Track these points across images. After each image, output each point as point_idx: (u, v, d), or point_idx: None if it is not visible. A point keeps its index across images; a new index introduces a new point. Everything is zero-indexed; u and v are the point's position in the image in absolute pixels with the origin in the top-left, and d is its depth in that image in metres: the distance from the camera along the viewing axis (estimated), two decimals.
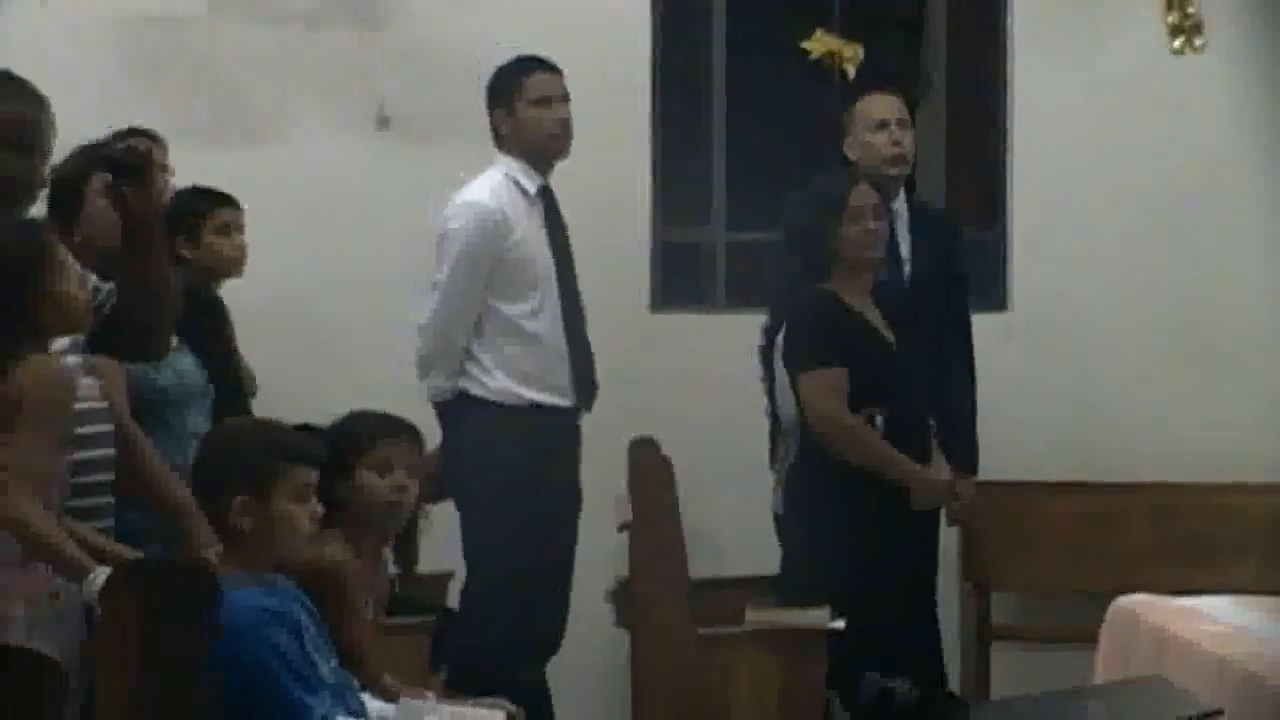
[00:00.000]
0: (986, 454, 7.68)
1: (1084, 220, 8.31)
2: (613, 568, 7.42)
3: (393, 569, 6.13)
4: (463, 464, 7.09)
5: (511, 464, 7.20)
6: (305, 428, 5.52)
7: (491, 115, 7.36)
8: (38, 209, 5.58)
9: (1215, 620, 4.74)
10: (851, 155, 7.59)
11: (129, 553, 5.12)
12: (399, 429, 5.84)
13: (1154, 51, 8.25)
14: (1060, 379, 8.21)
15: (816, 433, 6.99)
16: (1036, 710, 4.40)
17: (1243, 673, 4.22)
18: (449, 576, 7.36)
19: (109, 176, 5.58)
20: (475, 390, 7.26)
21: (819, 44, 8.11)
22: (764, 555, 7.37)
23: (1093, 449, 8.18)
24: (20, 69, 5.77)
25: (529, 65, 7.33)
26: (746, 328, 7.47)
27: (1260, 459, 8.13)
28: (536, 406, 7.29)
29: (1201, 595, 5.14)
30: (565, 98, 7.32)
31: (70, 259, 5.11)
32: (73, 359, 5.47)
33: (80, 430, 5.34)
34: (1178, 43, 8.25)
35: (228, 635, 4.72)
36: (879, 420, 6.95)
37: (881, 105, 7.66)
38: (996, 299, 8.32)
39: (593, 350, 7.42)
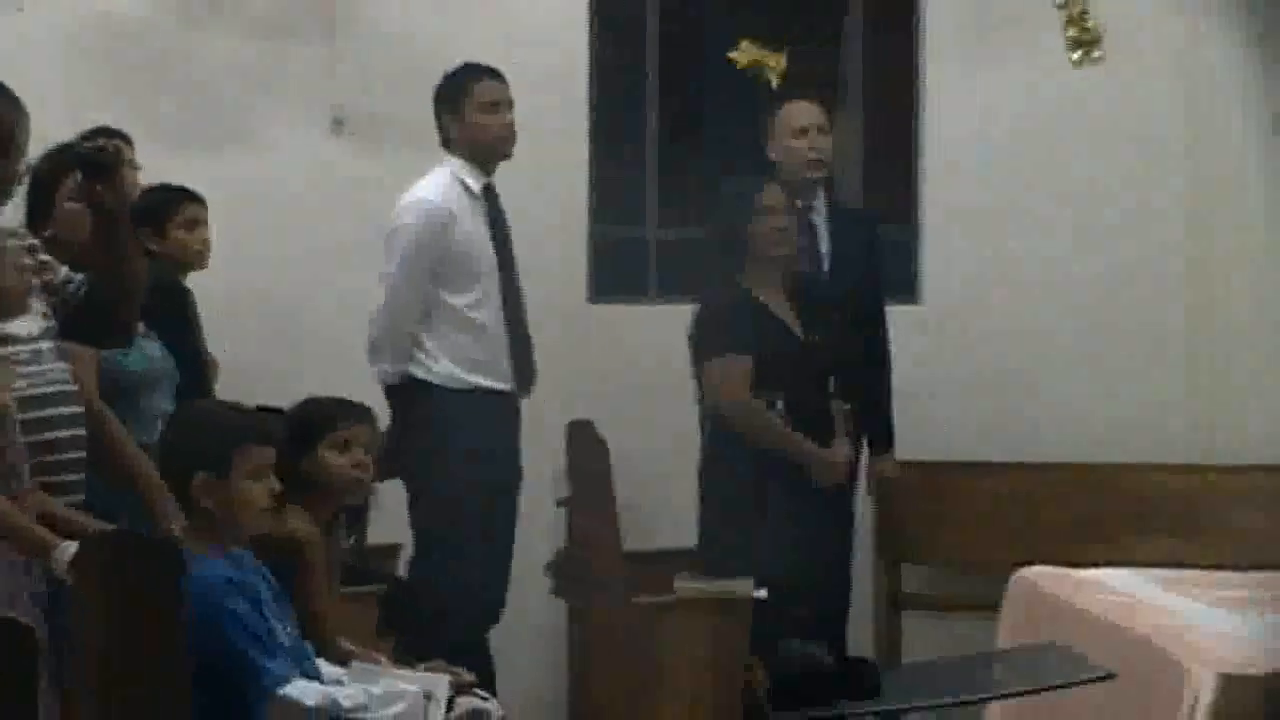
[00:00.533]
0: (901, 435, 7.77)
1: (991, 218, 8.35)
2: (552, 541, 7.44)
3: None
4: (411, 443, 7.10)
5: (456, 443, 7.20)
6: (265, 409, 5.54)
7: (439, 118, 7.37)
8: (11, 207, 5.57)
9: (1112, 590, 4.78)
10: (774, 158, 7.65)
11: (97, 525, 5.12)
12: (356, 411, 5.86)
13: (1056, 62, 8.29)
14: (968, 366, 8.25)
15: (722, 415, 7.08)
16: (943, 673, 4.44)
17: (1135, 638, 4.24)
18: (398, 548, 7.37)
19: (79, 177, 5.59)
20: (422, 374, 7.28)
21: (745, 54, 8.14)
22: (692, 529, 7.40)
23: (999, 431, 8.22)
24: None
25: (477, 72, 7.35)
26: (677, 318, 7.46)
27: (1160, 439, 8.18)
28: (479, 390, 7.30)
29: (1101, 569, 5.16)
30: (510, 104, 7.34)
31: (5, 254, 5.11)
32: (45, 344, 5.47)
33: (52, 411, 5.35)
34: (1077, 55, 8.29)
35: (192, 603, 4.74)
36: (779, 404, 7.03)
37: (803, 112, 7.71)
38: (909, 292, 8.33)
39: (532, 338, 7.43)
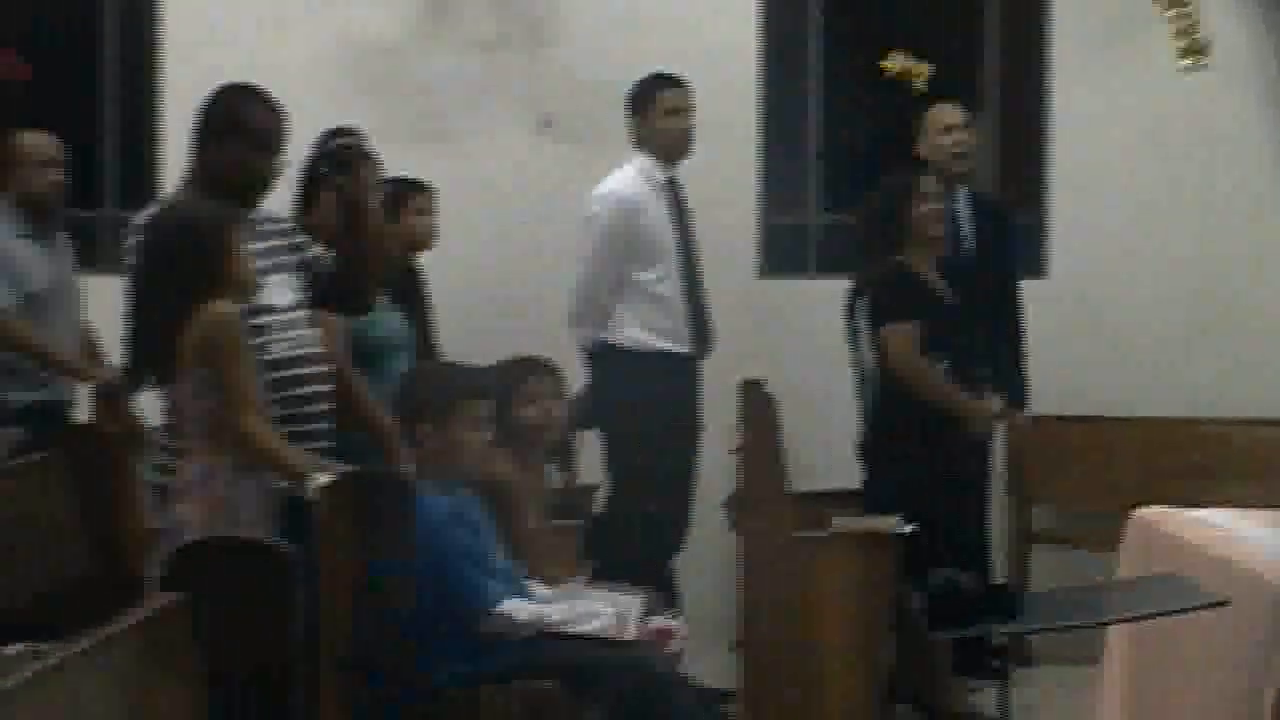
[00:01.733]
0: (1032, 392, 7.75)
1: (1111, 204, 8.23)
2: (727, 483, 7.42)
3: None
4: (605, 399, 7.13)
5: (643, 399, 7.23)
6: (479, 370, 5.58)
7: (629, 121, 7.40)
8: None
9: (1218, 527, 4.71)
10: (922, 154, 7.60)
11: (335, 467, 5.19)
12: (542, 369, 5.91)
13: (1169, 67, 8.17)
14: (1090, 333, 8.16)
15: (894, 376, 6.99)
16: (1072, 600, 4.39)
17: (1243, 570, 4.19)
18: (595, 488, 7.38)
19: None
20: (614, 340, 7.33)
21: (894, 63, 8.07)
22: (847, 474, 7.36)
23: (1116, 389, 8.12)
24: (262, 83, 5.86)
25: (663, 82, 7.38)
26: (834, 292, 7.42)
27: (1258, 398, 8.05)
28: (663, 353, 7.34)
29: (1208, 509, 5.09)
30: (691, 109, 7.36)
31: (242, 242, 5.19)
32: (299, 314, 5.54)
33: (304, 370, 5.42)
34: (1186, 62, 8.15)
35: (419, 530, 4.78)
36: (942, 366, 6.96)
37: (948, 113, 7.69)
38: (1038, 269, 8.25)
39: (709, 309, 7.45)
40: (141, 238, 5.36)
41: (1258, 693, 3.85)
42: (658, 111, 7.35)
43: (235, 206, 5.34)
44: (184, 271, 4.97)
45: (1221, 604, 3.79)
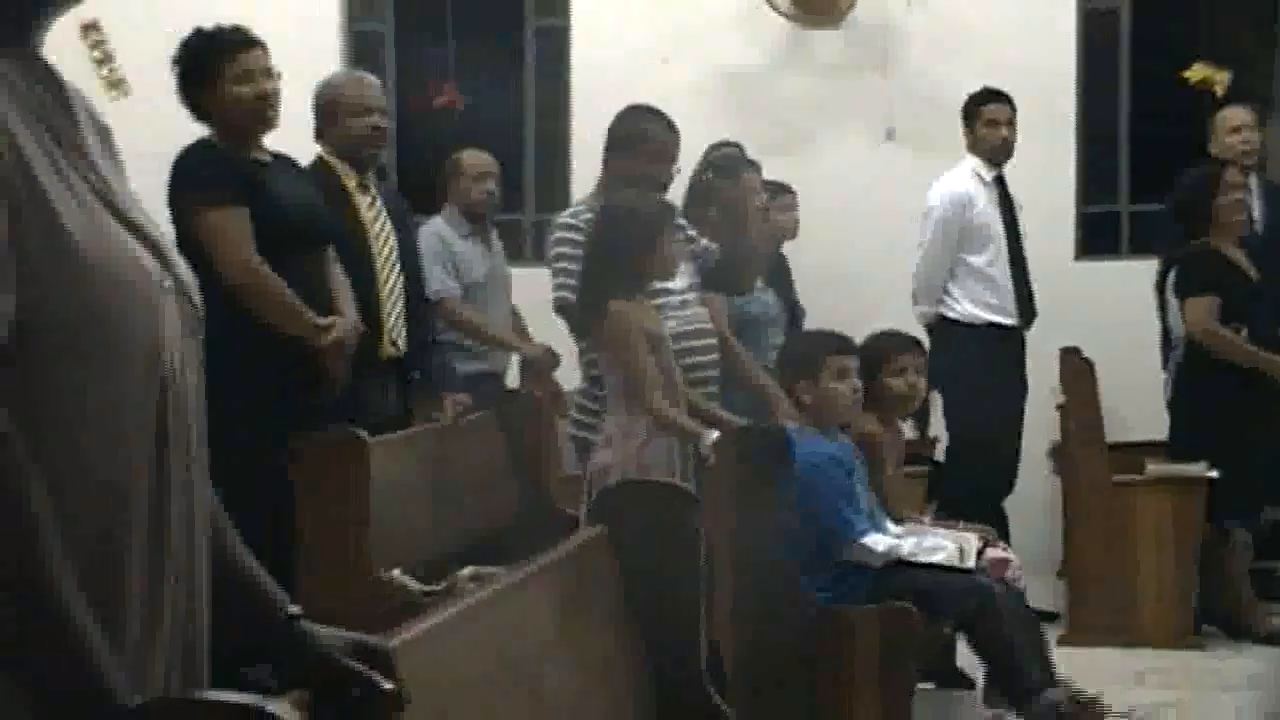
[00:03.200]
0: None
1: None
2: (1049, 433, 7.31)
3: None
4: (944, 365, 7.02)
5: (976, 364, 7.14)
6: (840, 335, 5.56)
7: (963, 129, 7.31)
8: None
9: None
10: (1215, 151, 7.38)
11: (728, 418, 5.21)
12: (911, 344, 5.83)
13: None
14: None
15: (1198, 342, 6.83)
16: None
17: None
18: (936, 440, 7.33)
19: (711, 175, 5.81)
20: (950, 315, 7.28)
21: (1197, 73, 7.85)
22: (1155, 427, 7.17)
23: None
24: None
25: (989, 96, 7.31)
26: (1143, 272, 7.31)
27: None
28: (992, 325, 7.26)
29: None
30: (1011, 120, 7.28)
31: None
32: (691, 295, 5.57)
33: (694, 343, 5.47)
34: None
35: (800, 471, 4.78)
36: (1244, 332, 6.78)
37: (1237, 115, 7.49)
38: None
39: (1033, 287, 7.32)
40: (580, 232, 5.47)
41: None
42: (981, 122, 7.28)
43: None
44: (628, 252, 5.04)
45: None
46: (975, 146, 7.28)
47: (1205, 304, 6.82)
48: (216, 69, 4.91)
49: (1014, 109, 7.28)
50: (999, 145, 7.26)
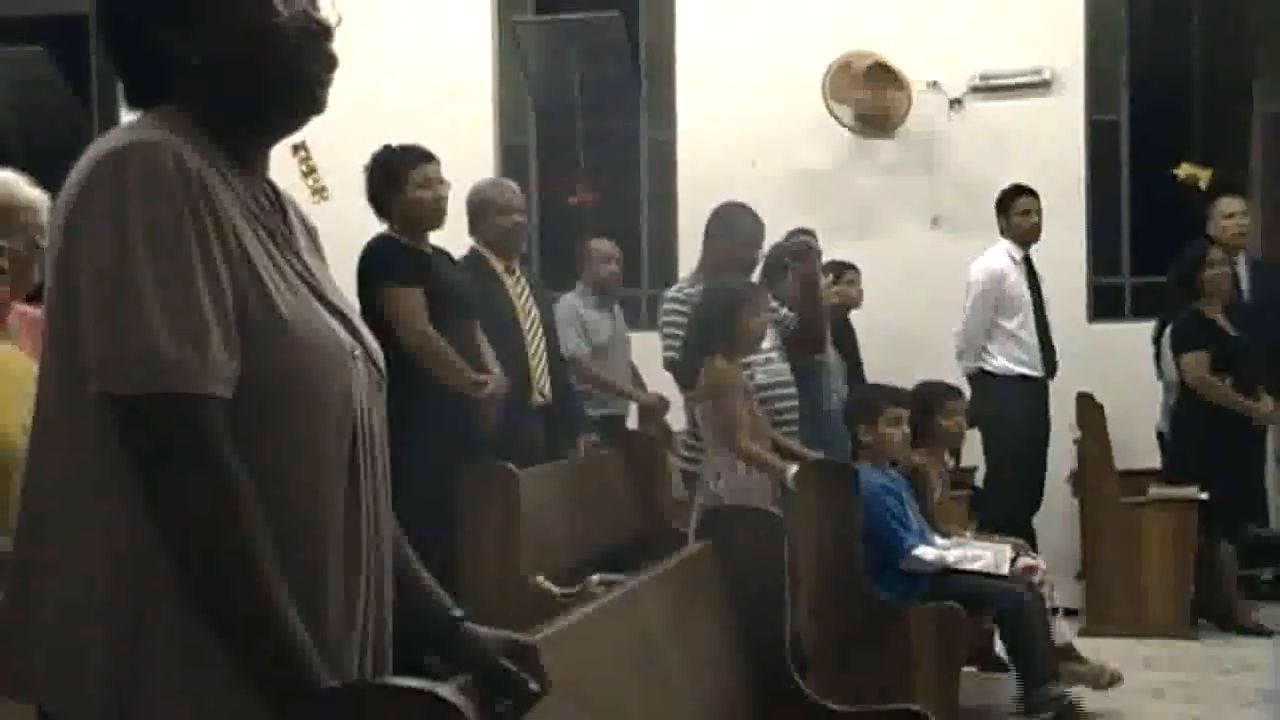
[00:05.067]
0: None
1: None
2: (1069, 462, 7.21)
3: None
4: (983, 408, 6.93)
5: (1009, 408, 7.03)
6: (897, 388, 5.50)
7: (998, 218, 7.24)
8: None
9: None
10: (1212, 233, 7.26)
11: (808, 453, 5.17)
12: (953, 391, 5.81)
13: None
14: None
15: (1192, 389, 6.80)
16: None
17: None
18: (975, 469, 7.22)
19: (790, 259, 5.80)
20: (988, 367, 7.15)
21: (1183, 170, 7.73)
22: (1150, 457, 7.17)
23: None
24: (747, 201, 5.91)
25: (1022, 191, 7.22)
26: (1142, 331, 7.32)
27: None
28: (1022, 376, 7.13)
29: None
30: (1039, 211, 7.19)
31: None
32: (775, 354, 5.55)
33: (777, 391, 5.48)
34: None
35: (863, 495, 4.75)
36: (1228, 380, 6.74)
37: (1231, 204, 7.36)
38: None
39: (1055, 345, 7.22)
40: (685, 304, 5.51)
41: None
42: (1015, 213, 7.19)
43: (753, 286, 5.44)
44: (723, 323, 5.08)
45: None
46: (1008, 231, 7.18)
47: (1198, 359, 6.79)
48: (403, 177, 4.97)
49: (1040, 201, 7.20)
50: (1030, 230, 7.16)
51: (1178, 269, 7.01)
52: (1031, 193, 7.18)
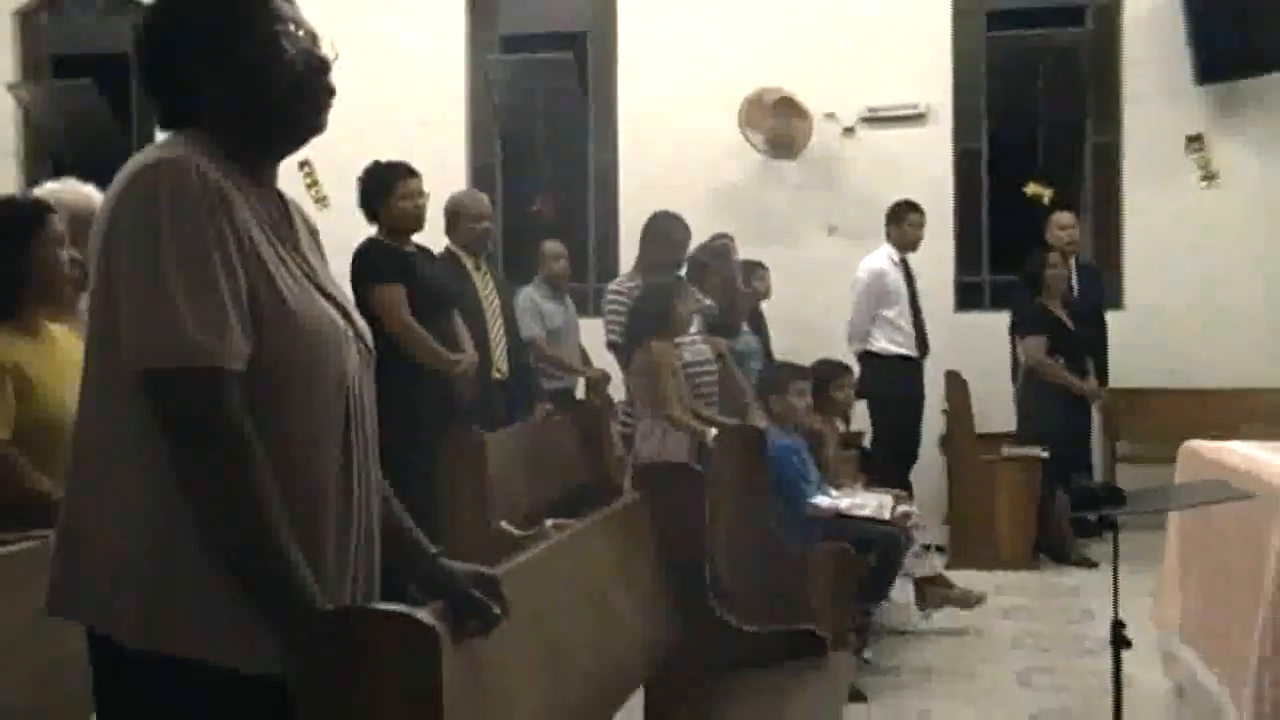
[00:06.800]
0: (1116, 376, 7.40)
1: (1166, 263, 7.74)
2: (938, 428, 7.27)
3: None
4: (869, 382, 6.94)
5: (889, 384, 7.01)
6: (799, 365, 5.48)
7: (888, 227, 7.19)
8: None
9: (1239, 452, 4.31)
10: (1050, 241, 7.32)
11: (725, 421, 5.15)
12: (844, 368, 5.80)
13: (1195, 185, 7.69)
14: (1151, 344, 7.68)
15: (1032, 368, 6.86)
16: (1151, 495, 4.04)
17: (1258, 479, 3.82)
18: (864, 433, 7.21)
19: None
20: (871, 349, 7.10)
21: (1031, 189, 7.82)
22: (1008, 422, 7.17)
23: (1166, 372, 7.63)
24: (678, 210, 5.86)
25: (911, 207, 7.14)
26: (999, 320, 7.29)
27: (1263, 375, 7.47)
28: (901, 356, 7.10)
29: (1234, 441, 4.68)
30: (923, 223, 7.14)
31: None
32: (698, 337, 5.51)
33: (698, 369, 5.42)
34: (1204, 183, 7.66)
35: (772, 454, 4.71)
36: (1061, 361, 6.83)
37: (1064, 218, 7.43)
38: (1118, 304, 7.81)
39: (928, 330, 7.21)
40: (624, 295, 5.49)
41: (1271, 568, 3.46)
42: (907, 224, 7.10)
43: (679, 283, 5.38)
44: (657, 312, 5.03)
45: (1250, 496, 3.47)
46: (895, 237, 7.11)
47: (1038, 343, 6.85)
48: (390, 189, 4.92)
49: (924, 215, 7.18)
50: (915, 240, 7.14)
51: (1026, 270, 7.06)
52: (920, 209, 7.17)
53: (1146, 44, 7.71)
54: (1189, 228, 7.68)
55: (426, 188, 5.05)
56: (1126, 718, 3.10)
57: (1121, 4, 7.83)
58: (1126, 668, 3.07)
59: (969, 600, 5.52)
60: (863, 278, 7.13)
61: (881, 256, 7.17)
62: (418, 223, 5.00)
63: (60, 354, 2.91)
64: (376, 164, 5.01)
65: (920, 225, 7.15)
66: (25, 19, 8.90)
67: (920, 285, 7.25)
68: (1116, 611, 3.03)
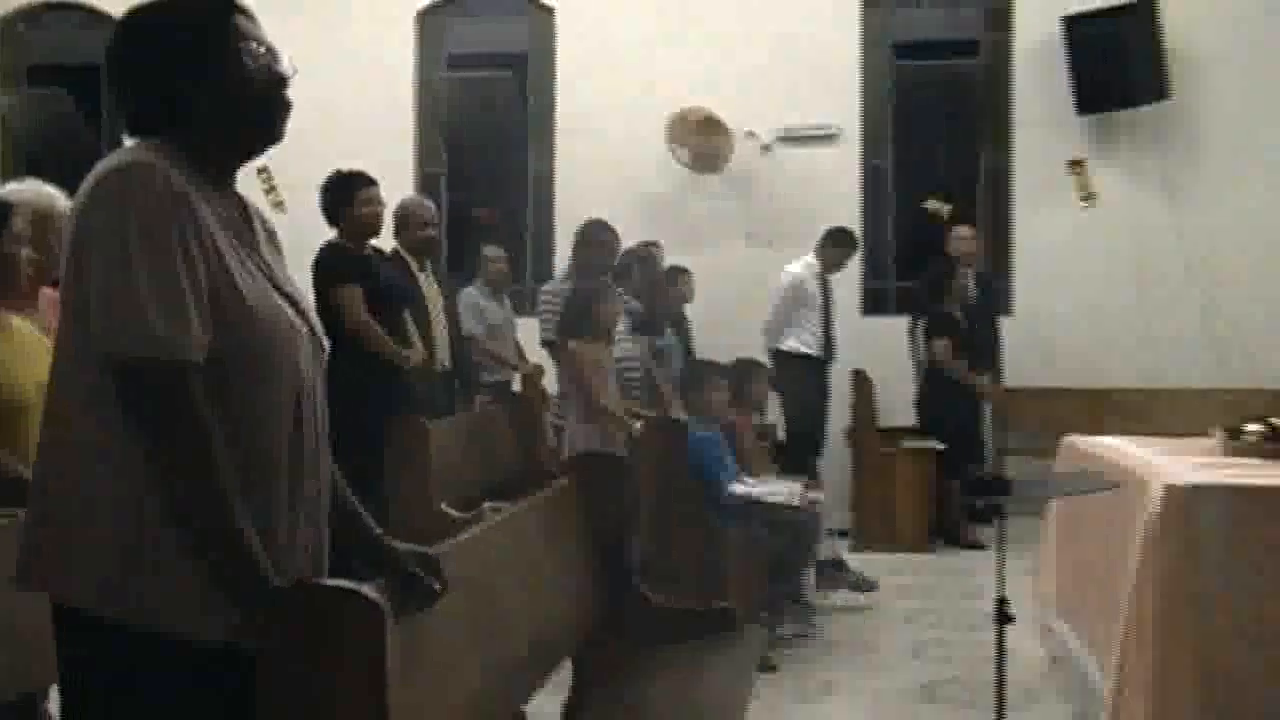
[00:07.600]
0: (1006, 376, 7.48)
1: (1055, 275, 7.86)
2: (845, 422, 7.32)
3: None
4: (781, 378, 6.98)
5: (799, 379, 7.06)
6: (719, 364, 5.49)
7: (822, 248, 7.21)
8: None
9: (1111, 446, 4.40)
10: (950, 251, 7.41)
11: (648, 414, 5.15)
12: (759, 365, 5.82)
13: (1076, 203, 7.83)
14: (1039, 346, 7.79)
15: (936, 366, 6.93)
16: (1033, 482, 4.12)
17: (1124, 468, 3.91)
18: (775, 425, 7.23)
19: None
20: (784, 348, 7.14)
21: (931, 204, 7.90)
22: (907, 417, 7.23)
23: (1049, 373, 7.73)
24: (601, 218, 5.83)
25: (846, 239, 7.19)
26: (901, 323, 7.37)
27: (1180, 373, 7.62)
28: (809, 356, 7.15)
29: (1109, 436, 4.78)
30: (856, 246, 7.24)
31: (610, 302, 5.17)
32: (626, 336, 5.50)
33: (628, 365, 5.41)
34: (1083, 201, 7.80)
35: (692, 449, 4.73)
36: (963, 360, 6.92)
37: (964, 231, 7.51)
38: (1009, 310, 7.91)
39: (836, 332, 7.24)
40: (557, 296, 5.46)
41: (1135, 550, 3.54)
42: (842, 254, 7.19)
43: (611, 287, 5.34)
44: (585, 312, 5.02)
45: (1115, 487, 3.55)
46: (825, 259, 7.15)
47: (946, 345, 6.93)
48: (350, 197, 4.90)
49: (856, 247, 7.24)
50: (839, 267, 7.22)
51: (929, 277, 7.14)
52: (857, 245, 7.24)
53: (1034, 76, 7.84)
54: (1070, 242, 7.83)
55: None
56: (1008, 685, 3.16)
57: (1012, 39, 7.96)
58: (1009, 640, 3.13)
59: (863, 584, 5.60)
60: (785, 281, 7.18)
61: (804, 266, 7.22)
62: (377, 228, 4.98)
63: (22, 343, 2.87)
64: (338, 173, 4.98)
65: (849, 257, 7.23)
66: (4, 30, 8.71)
67: (838, 292, 7.32)
68: (1001, 589, 3.10)
